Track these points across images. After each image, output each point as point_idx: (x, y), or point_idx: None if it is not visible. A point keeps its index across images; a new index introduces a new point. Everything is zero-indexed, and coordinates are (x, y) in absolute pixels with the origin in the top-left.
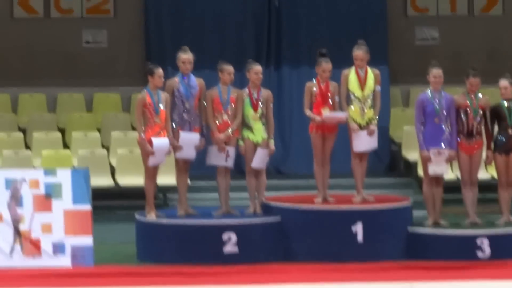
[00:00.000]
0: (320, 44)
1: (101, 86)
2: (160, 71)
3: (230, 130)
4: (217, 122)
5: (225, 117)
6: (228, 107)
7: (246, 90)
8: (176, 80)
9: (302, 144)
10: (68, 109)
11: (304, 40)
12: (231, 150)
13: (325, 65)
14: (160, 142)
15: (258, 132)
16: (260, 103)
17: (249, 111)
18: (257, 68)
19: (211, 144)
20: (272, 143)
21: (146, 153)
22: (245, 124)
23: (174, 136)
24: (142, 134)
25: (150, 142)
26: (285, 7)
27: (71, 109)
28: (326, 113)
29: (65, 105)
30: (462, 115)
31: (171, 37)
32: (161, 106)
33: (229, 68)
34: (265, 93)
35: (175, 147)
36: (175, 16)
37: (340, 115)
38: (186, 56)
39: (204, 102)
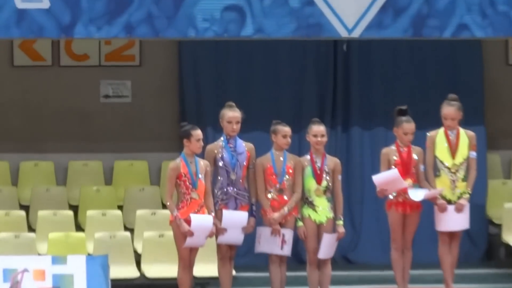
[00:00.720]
0: (399, 100)
1: (124, 151)
2: (198, 133)
3: (286, 209)
4: (270, 197)
5: (280, 191)
6: (284, 178)
7: (307, 157)
8: (219, 144)
9: (377, 225)
10: (82, 181)
11: (379, 94)
12: (288, 234)
13: (407, 126)
14: (201, 219)
15: (323, 211)
16: (325, 173)
17: (311, 184)
18: (320, 129)
19: (263, 226)
20: (341, 224)
21: (182, 234)
22: (305, 200)
23: (216, 216)
24: (176, 213)
25: (187, 221)
26: (355, 53)
27: (85, 181)
28: (411, 191)
29: (78, 175)
30: None
31: (212, 91)
32: (200, 177)
33: (285, 130)
34: (332, 161)
35: (217, 229)
36: (217, 64)
37: (431, 192)
38: (232, 114)
39: (255, 172)
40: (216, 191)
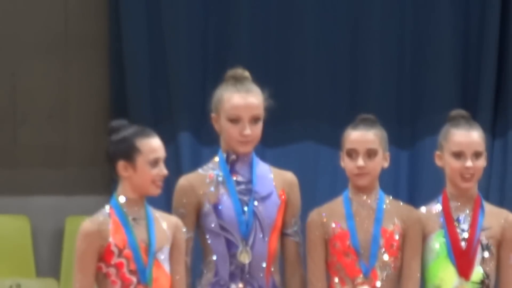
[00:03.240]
0: None
1: None
2: (154, 144)
3: None
4: None
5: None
6: (376, 260)
7: (436, 206)
8: (208, 176)
9: None
10: None
11: None
12: None
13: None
14: None
15: None
16: (482, 250)
17: (448, 276)
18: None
19: None
20: None
21: None
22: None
23: None
24: None
25: None
26: None
27: None
28: None
29: None
30: None
31: (187, 51)
32: (160, 258)
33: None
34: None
35: None
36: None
37: None
38: (241, 101)
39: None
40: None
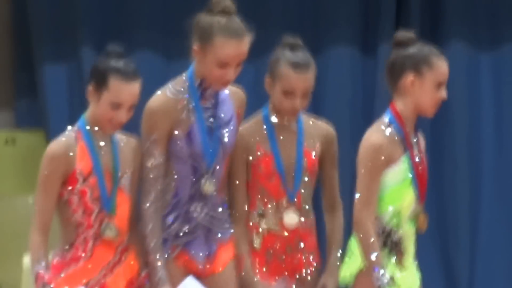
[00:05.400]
0: None
1: None
2: (124, 87)
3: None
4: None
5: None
6: (301, 182)
7: (388, 128)
8: (178, 100)
9: None
10: None
11: None
12: None
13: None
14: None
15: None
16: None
17: (408, 200)
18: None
19: None
20: None
21: None
22: (390, 242)
23: (157, 276)
24: (43, 270)
25: None
26: None
27: None
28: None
29: None
30: None
31: None
32: (123, 184)
33: None
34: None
35: None
36: None
37: None
38: (235, 46)
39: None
40: (165, 217)
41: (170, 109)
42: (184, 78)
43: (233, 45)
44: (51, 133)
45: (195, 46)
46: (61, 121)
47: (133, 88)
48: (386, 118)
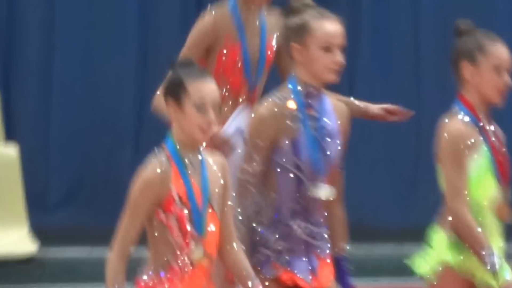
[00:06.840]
0: None
1: None
2: (204, 86)
3: None
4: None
5: None
6: None
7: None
8: (285, 107)
9: None
10: None
11: None
12: None
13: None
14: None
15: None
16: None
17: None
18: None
19: None
20: None
21: None
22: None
23: None
24: None
25: None
26: None
27: None
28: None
29: None
30: None
31: None
32: (212, 204)
33: None
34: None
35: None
36: None
37: None
38: (334, 28)
39: None
40: (265, 232)
41: (279, 115)
42: (288, 86)
43: (332, 24)
44: None
45: (294, 47)
46: None
47: (211, 84)
48: (456, 108)
